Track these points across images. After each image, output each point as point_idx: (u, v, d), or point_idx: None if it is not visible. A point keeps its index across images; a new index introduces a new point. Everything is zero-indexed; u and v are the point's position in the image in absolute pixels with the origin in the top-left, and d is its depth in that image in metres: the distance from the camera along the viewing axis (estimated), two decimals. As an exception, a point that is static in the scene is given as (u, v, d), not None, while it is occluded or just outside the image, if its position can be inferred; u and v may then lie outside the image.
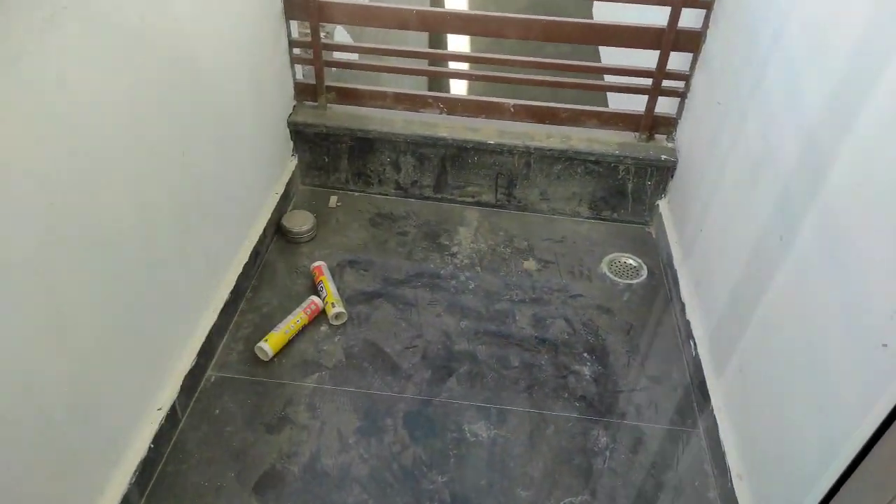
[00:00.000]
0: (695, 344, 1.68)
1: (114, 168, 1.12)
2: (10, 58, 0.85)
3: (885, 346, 0.93)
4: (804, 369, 1.16)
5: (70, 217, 1.01)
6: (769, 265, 1.33)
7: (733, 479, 1.36)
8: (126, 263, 1.19)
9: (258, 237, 1.85)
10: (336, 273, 1.88)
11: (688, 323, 1.75)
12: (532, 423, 1.55)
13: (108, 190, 1.10)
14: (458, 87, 4.58)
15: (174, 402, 1.39)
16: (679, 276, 1.88)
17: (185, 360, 1.46)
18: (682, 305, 1.80)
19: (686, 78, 1.95)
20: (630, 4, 1.94)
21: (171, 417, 1.38)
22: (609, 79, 2.12)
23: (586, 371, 1.70)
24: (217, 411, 1.49)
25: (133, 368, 1.27)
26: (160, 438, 1.34)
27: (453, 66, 2.35)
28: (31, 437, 0.97)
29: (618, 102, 2.27)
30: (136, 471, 1.24)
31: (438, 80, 3.78)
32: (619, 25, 1.92)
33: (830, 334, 1.09)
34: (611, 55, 2.81)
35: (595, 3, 3.82)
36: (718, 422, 1.48)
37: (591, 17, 3.48)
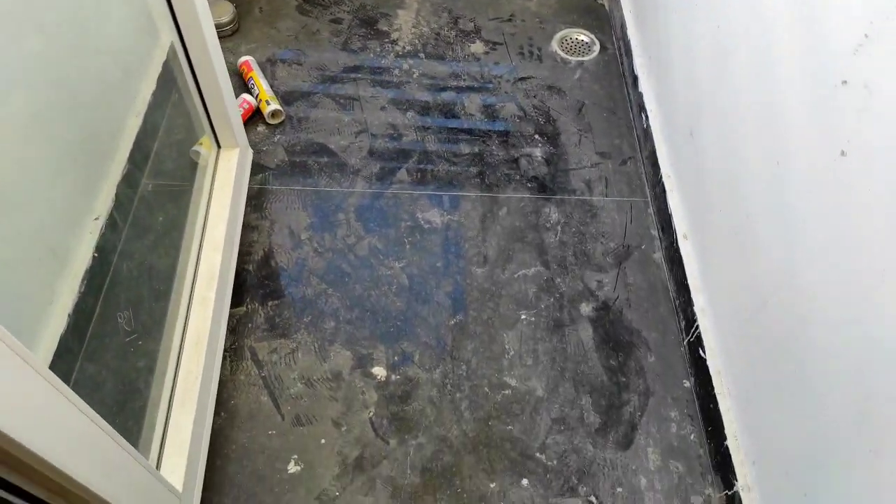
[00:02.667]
0: (646, 116, 1.65)
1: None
2: None
3: (843, 154, 0.86)
4: (759, 121, 1.13)
5: None
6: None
7: (679, 240, 1.41)
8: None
9: (175, 34, 1.66)
10: (266, 70, 1.74)
11: (640, 95, 1.70)
12: (485, 207, 1.56)
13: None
14: None
15: (111, 212, 1.33)
16: (632, 46, 1.79)
17: (117, 167, 1.38)
18: (635, 78, 1.74)
19: None
20: None
21: (112, 227, 1.33)
22: None
23: (538, 153, 1.67)
24: (161, 218, 1.44)
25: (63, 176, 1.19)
26: (102, 247, 1.30)
27: None
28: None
29: None
30: (83, 279, 1.22)
31: None
32: None
33: (790, 78, 1.03)
34: None
35: None
36: (667, 188, 1.50)
37: None
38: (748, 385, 1.13)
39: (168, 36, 1.40)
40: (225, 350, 1.27)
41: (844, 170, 0.84)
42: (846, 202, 0.84)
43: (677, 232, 1.42)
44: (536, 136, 1.70)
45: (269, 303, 1.36)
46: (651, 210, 1.58)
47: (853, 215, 0.83)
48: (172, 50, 1.41)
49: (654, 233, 1.53)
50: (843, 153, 0.84)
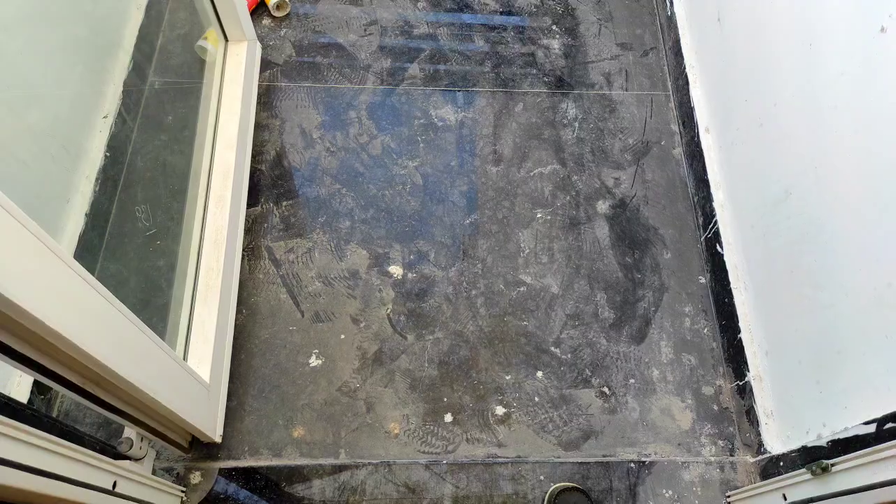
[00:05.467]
0: (671, 1, 1.56)
1: None
2: None
3: (883, 30, 0.80)
4: (791, 22, 1.06)
5: None
6: None
7: (700, 133, 1.37)
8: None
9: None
10: (271, -41, 1.65)
11: (665, -20, 1.60)
12: (500, 103, 1.51)
13: None
14: None
15: (120, 109, 1.30)
16: (658, -74, 1.66)
17: (122, 63, 1.34)
18: (660, -39, 1.63)
19: None
20: None
21: (122, 125, 1.31)
22: None
23: (555, 45, 1.60)
24: (171, 117, 1.42)
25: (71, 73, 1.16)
26: (113, 146, 1.29)
27: None
28: None
29: None
30: (97, 178, 1.22)
31: None
32: None
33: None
34: None
35: None
36: (690, 80, 1.44)
37: None
38: (765, 277, 1.13)
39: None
40: (242, 250, 1.28)
41: (883, 47, 0.79)
42: (883, 83, 0.80)
43: (699, 125, 1.37)
44: (554, 27, 1.62)
45: (284, 203, 1.36)
46: (672, 104, 1.52)
47: (890, 96, 0.79)
48: (170, -65, 1.34)
49: (675, 127, 1.49)
50: (882, 29, 0.78)
